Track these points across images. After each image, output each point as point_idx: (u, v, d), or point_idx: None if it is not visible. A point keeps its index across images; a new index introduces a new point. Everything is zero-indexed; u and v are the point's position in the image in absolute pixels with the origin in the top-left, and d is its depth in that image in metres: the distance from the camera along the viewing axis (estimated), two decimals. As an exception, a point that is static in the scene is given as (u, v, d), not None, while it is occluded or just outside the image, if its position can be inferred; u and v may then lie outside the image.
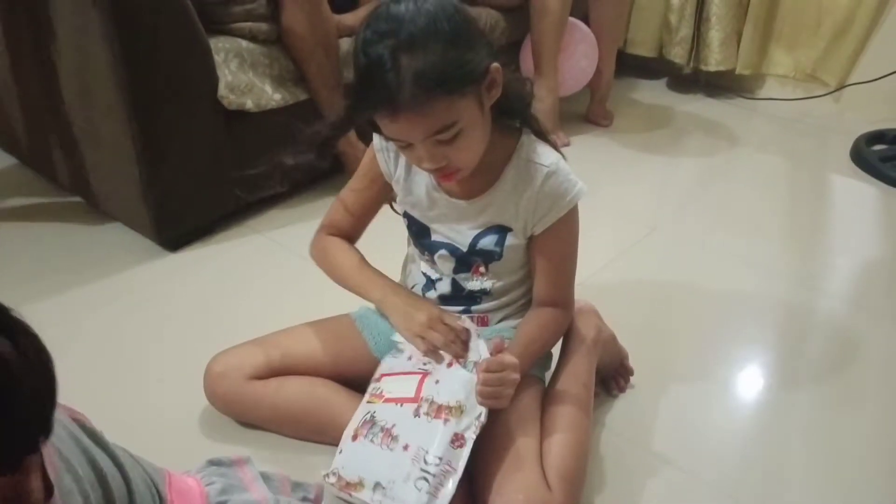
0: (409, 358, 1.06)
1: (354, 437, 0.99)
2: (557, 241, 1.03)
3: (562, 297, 1.07)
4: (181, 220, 1.61)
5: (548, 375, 1.13)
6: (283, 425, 1.11)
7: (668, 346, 1.37)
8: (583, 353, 1.12)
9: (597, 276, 1.54)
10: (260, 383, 1.08)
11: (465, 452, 0.93)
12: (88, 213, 1.75)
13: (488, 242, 1.03)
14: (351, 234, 1.14)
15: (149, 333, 1.38)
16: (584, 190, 1.00)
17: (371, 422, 0.99)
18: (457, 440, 0.94)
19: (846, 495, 1.08)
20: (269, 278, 1.54)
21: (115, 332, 1.39)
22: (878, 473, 1.11)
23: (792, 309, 1.49)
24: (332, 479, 0.96)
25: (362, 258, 1.13)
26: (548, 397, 1.07)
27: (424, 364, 1.04)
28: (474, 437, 0.94)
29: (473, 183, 1.00)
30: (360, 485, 0.94)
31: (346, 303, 1.19)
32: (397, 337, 1.08)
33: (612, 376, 1.25)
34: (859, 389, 1.28)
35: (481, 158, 0.96)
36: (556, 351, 1.15)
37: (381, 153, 1.06)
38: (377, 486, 0.93)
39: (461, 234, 1.04)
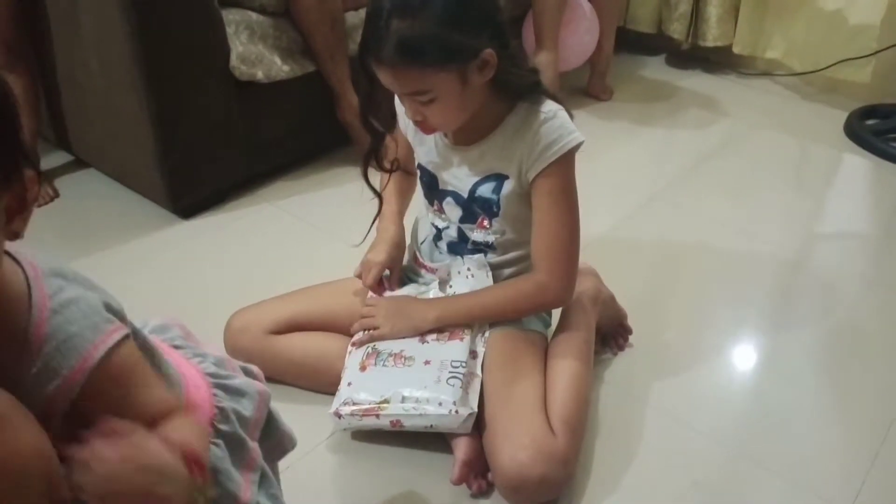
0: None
1: (363, 369, 1.05)
2: (547, 193, 1.03)
3: (550, 262, 1.05)
4: (194, 189, 1.66)
5: (550, 331, 1.19)
6: (301, 378, 1.16)
7: (666, 308, 1.43)
8: (583, 310, 1.18)
9: (598, 241, 1.60)
10: (278, 337, 1.14)
11: (479, 362, 1.06)
12: (103, 182, 1.80)
13: (486, 190, 1.07)
14: (407, 168, 1.21)
15: (166, 295, 1.43)
16: (580, 139, 1.02)
17: (375, 353, 1.06)
18: (472, 354, 1.05)
19: (838, 444, 1.14)
20: (279, 245, 1.60)
21: (134, 294, 1.42)
22: (867, 424, 1.17)
23: (786, 274, 1.55)
24: (348, 409, 1.01)
25: (396, 192, 1.22)
26: (550, 351, 1.12)
27: None
28: (483, 350, 1.07)
29: (475, 129, 1.05)
30: (384, 403, 1.00)
31: (354, 267, 1.24)
32: None
33: (612, 335, 1.30)
34: (850, 348, 1.34)
35: (481, 111, 1.01)
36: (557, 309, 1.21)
37: (398, 109, 1.12)
38: (406, 397, 0.99)
39: (462, 181, 1.09)
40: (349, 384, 1.04)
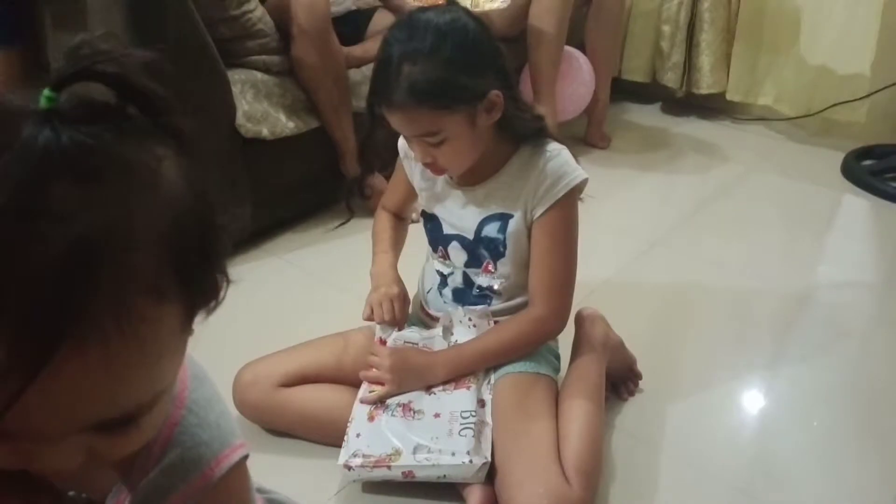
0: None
1: (371, 419, 1.04)
2: (551, 230, 1.06)
3: (549, 297, 1.09)
4: (201, 244, 1.67)
5: (560, 376, 1.18)
6: (311, 431, 1.15)
7: (673, 352, 1.42)
8: (593, 355, 1.17)
9: (602, 287, 1.60)
10: (288, 390, 1.13)
11: (489, 409, 1.05)
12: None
13: (492, 229, 1.09)
14: (402, 214, 1.27)
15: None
16: (584, 176, 1.05)
17: (384, 405, 1.06)
18: (480, 402, 1.06)
19: (851, 486, 1.12)
20: (286, 298, 1.60)
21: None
22: (884, 465, 1.16)
23: (791, 315, 1.55)
24: (358, 461, 1.00)
25: (391, 238, 1.23)
26: (562, 397, 1.12)
27: None
28: (490, 397, 1.07)
29: (481, 170, 1.07)
30: (395, 455, 0.99)
31: (361, 320, 1.25)
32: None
33: (622, 381, 1.29)
34: (858, 387, 1.33)
35: (487, 152, 1.05)
36: (565, 354, 1.21)
37: (403, 154, 1.15)
38: (417, 447, 0.99)
39: (467, 222, 1.11)
40: (358, 435, 1.03)
